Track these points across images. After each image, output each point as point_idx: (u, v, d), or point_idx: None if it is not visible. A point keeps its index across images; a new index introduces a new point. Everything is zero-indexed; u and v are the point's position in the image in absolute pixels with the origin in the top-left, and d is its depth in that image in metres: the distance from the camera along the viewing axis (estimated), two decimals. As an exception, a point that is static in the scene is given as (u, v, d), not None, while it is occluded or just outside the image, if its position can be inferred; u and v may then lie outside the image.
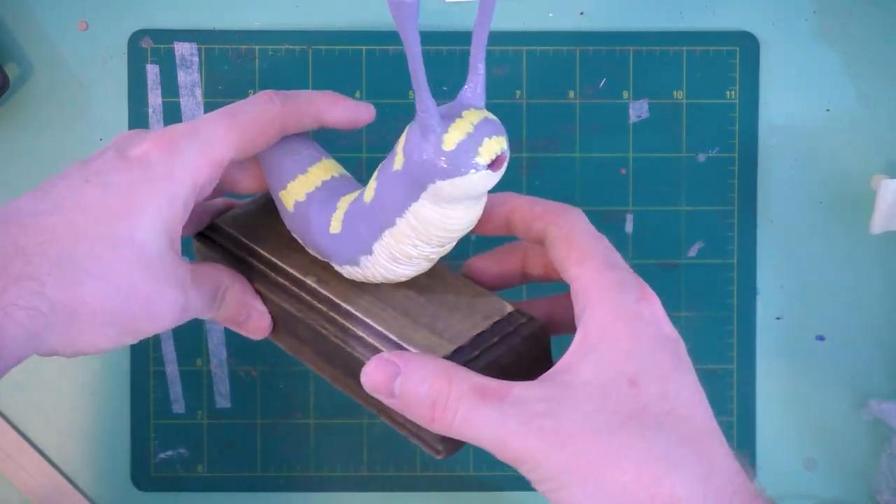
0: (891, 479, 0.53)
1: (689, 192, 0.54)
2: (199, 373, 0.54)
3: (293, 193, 0.40)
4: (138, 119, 0.53)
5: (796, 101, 0.55)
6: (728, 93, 0.54)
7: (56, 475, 0.54)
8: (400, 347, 0.37)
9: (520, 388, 0.33)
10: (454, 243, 0.38)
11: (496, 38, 0.54)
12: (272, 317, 0.42)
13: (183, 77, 0.54)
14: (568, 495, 0.33)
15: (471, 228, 0.37)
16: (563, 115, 0.54)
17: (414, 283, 0.39)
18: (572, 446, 0.32)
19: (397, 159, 0.35)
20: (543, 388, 0.34)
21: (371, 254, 0.38)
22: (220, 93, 0.54)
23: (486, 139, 0.33)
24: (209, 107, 0.54)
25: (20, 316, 0.34)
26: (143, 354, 0.54)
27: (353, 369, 0.38)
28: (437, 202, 0.35)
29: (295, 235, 0.41)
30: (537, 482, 0.33)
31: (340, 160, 0.54)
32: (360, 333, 0.38)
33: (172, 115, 0.54)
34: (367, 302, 0.39)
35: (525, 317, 0.38)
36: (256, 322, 0.42)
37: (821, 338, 0.55)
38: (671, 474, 0.32)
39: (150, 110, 0.54)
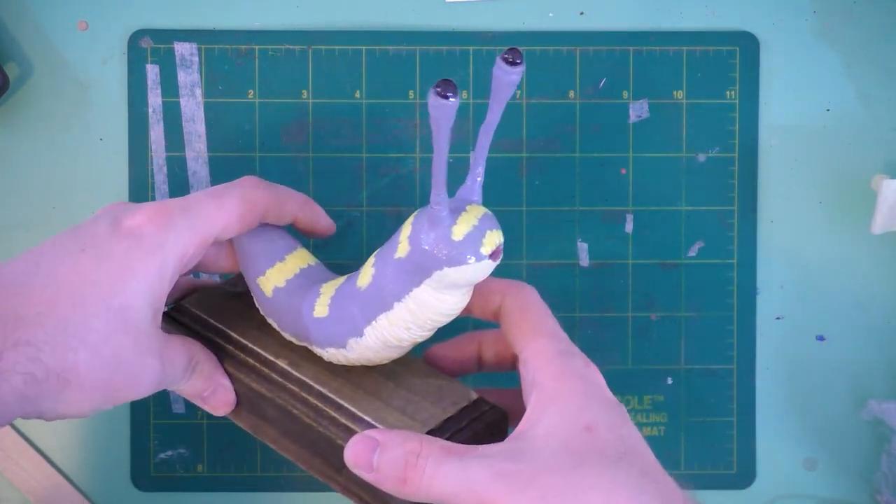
0: (891, 479, 0.53)
1: (689, 192, 0.54)
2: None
3: (272, 280, 0.42)
4: (138, 119, 0.53)
5: (796, 101, 0.55)
6: (728, 93, 0.54)
7: (56, 475, 0.54)
8: (373, 428, 0.39)
9: (484, 447, 0.36)
10: (436, 329, 0.40)
11: (496, 38, 0.54)
12: (237, 396, 0.43)
13: (183, 77, 0.54)
14: None
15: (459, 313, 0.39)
16: (563, 115, 0.54)
17: (382, 368, 0.42)
18: (536, 485, 0.34)
19: (401, 248, 0.37)
20: (506, 444, 0.36)
21: (361, 336, 0.40)
22: (220, 93, 0.54)
23: (488, 232, 0.36)
24: (209, 107, 0.54)
25: (16, 380, 0.35)
26: (143, 354, 0.54)
27: (321, 448, 0.40)
28: (437, 288, 0.37)
29: (270, 319, 0.43)
30: None
31: (340, 160, 0.54)
32: (334, 414, 0.40)
33: (172, 115, 0.54)
34: (339, 384, 0.41)
35: (488, 405, 0.41)
36: (221, 397, 0.43)
37: (821, 338, 0.55)
38: (636, 499, 0.34)
39: (150, 110, 0.54)
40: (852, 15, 0.54)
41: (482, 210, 0.37)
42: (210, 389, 0.43)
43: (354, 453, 0.37)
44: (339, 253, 0.54)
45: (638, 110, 0.54)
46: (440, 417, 0.39)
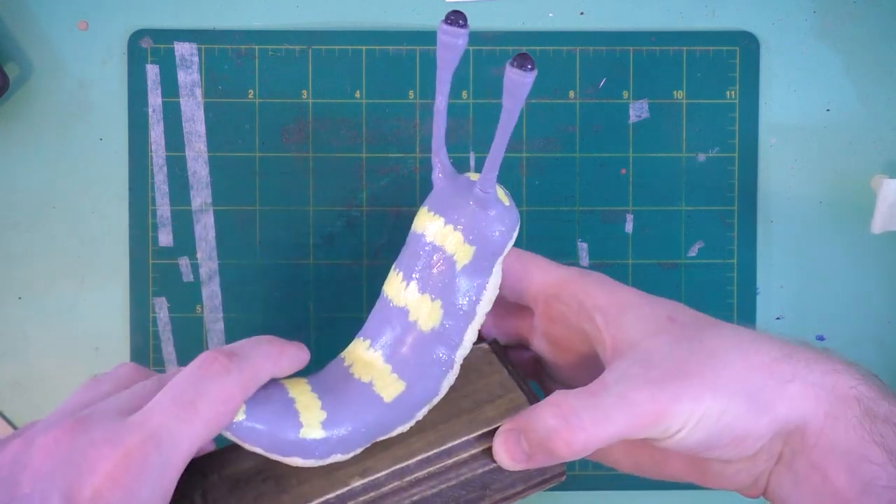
0: (891, 479, 0.53)
1: (689, 192, 0.54)
2: (199, 373, 0.54)
3: (311, 432, 0.36)
4: (138, 119, 0.53)
5: (796, 101, 0.55)
6: (728, 93, 0.54)
7: (56, 475, 0.54)
8: (491, 431, 0.38)
9: (606, 376, 0.36)
10: None
11: (496, 38, 0.54)
12: None
13: (183, 77, 0.54)
14: (720, 413, 0.35)
15: None
16: (563, 115, 0.54)
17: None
18: (685, 373, 0.35)
19: (460, 257, 0.37)
20: (620, 364, 0.36)
21: (453, 368, 0.38)
22: (220, 93, 0.54)
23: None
24: (209, 107, 0.54)
25: None
26: (143, 354, 0.54)
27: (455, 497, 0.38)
28: (499, 265, 0.38)
29: (330, 459, 0.37)
30: (688, 429, 0.35)
31: (340, 160, 0.54)
32: (451, 461, 0.38)
33: (172, 115, 0.54)
34: (416, 442, 0.38)
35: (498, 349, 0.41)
36: None
37: (821, 338, 0.55)
38: (758, 342, 0.36)
39: (150, 110, 0.54)
40: (852, 15, 0.54)
41: (477, 175, 0.38)
42: None
43: (504, 450, 0.37)
44: (339, 253, 0.54)
45: (638, 110, 0.54)
46: (520, 384, 0.39)
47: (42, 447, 0.32)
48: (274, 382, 0.37)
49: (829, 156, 0.55)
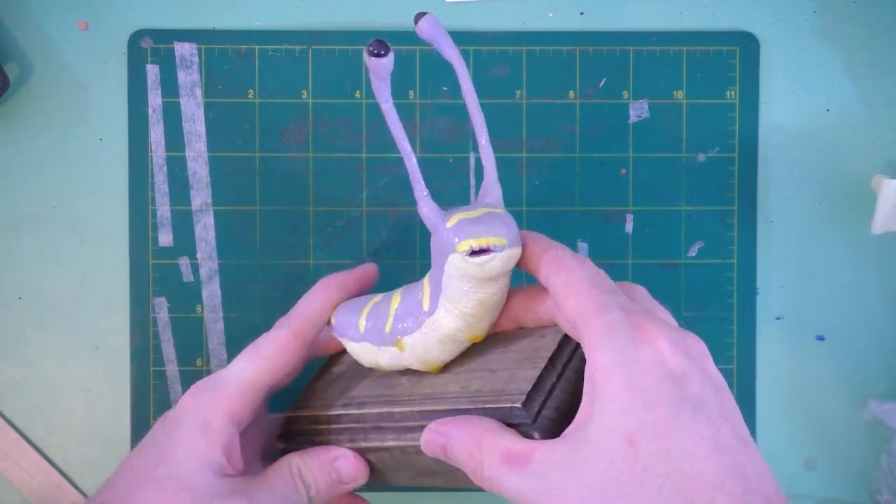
0: (891, 479, 0.53)
1: (689, 192, 0.54)
2: (200, 373, 0.54)
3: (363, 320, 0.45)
4: (138, 119, 0.53)
5: (796, 101, 0.55)
6: (728, 93, 0.54)
7: (56, 475, 0.54)
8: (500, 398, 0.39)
9: (541, 452, 0.35)
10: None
11: (496, 38, 0.54)
12: (371, 461, 0.44)
13: (183, 77, 0.54)
14: None
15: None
16: (563, 115, 0.54)
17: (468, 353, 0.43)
18: None
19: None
20: (560, 450, 0.34)
21: (412, 333, 0.43)
22: (220, 93, 0.54)
23: (475, 231, 0.39)
24: (209, 107, 0.54)
25: None
26: (144, 354, 0.54)
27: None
28: (459, 276, 0.41)
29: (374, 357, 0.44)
30: None
31: (340, 160, 0.54)
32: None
33: (172, 115, 0.54)
34: (444, 382, 0.42)
35: (573, 342, 0.40)
36: (350, 471, 0.44)
37: (821, 338, 0.55)
38: None
39: (150, 110, 0.54)
40: (852, 15, 0.54)
41: (482, 211, 0.39)
42: (334, 475, 0.44)
43: (428, 445, 0.39)
44: (340, 253, 0.54)
45: (638, 110, 0.54)
46: (534, 376, 0.38)
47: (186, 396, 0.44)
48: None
49: (829, 156, 0.55)
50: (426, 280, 0.41)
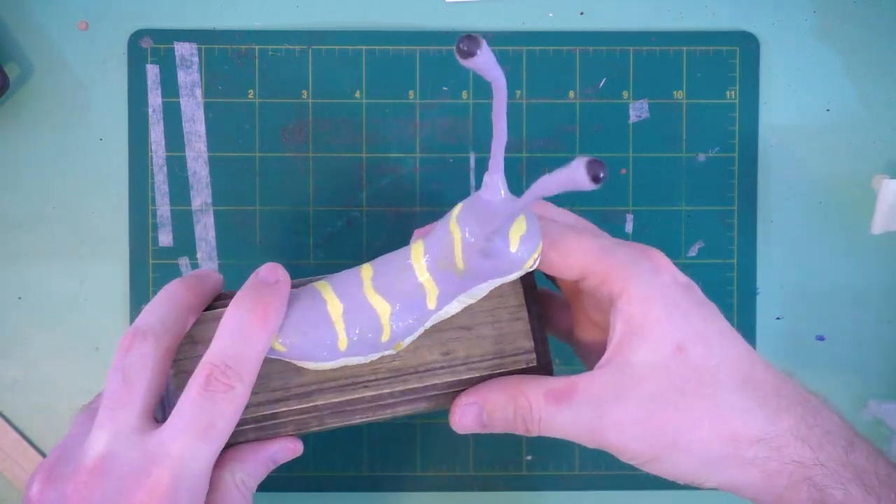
0: (891, 479, 0.53)
1: (689, 192, 0.54)
2: (199, 373, 0.54)
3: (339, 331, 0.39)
4: (138, 119, 0.53)
5: (796, 101, 0.55)
6: (728, 93, 0.54)
7: (56, 475, 0.54)
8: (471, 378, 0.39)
9: (584, 382, 0.37)
10: None
11: (496, 38, 0.54)
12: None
13: (183, 77, 0.54)
14: (658, 468, 0.37)
15: None
16: (563, 115, 0.54)
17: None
18: (645, 428, 0.36)
19: (456, 265, 0.37)
20: (605, 376, 0.37)
21: (412, 334, 0.39)
22: (220, 93, 0.54)
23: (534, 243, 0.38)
24: (209, 107, 0.54)
25: None
26: (143, 354, 0.54)
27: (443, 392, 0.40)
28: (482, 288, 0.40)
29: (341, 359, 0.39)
30: (627, 461, 0.37)
31: (340, 160, 0.54)
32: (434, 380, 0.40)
33: (172, 115, 0.54)
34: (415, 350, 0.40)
35: (527, 281, 0.40)
36: (287, 455, 0.40)
37: (821, 338, 0.55)
38: (739, 417, 0.36)
39: (150, 110, 0.54)
40: (852, 15, 0.54)
41: (521, 218, 0.37)
42: (272, 464, 0.40)
43: (461, 422, 0.39)
44: (340, 253, 0.54)
45: (638, 110, 0.54)
46: (526, 329, 0.39)
47: (74, 494, 0.35)
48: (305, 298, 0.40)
49: (829, 156, 0.55)
50: (423, 275, 0.38)
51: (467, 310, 0.40)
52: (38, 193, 0.54)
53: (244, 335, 0.37)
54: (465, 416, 0.39)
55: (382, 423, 0.54)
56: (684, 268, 0.55)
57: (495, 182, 0.37)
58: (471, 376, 0.39)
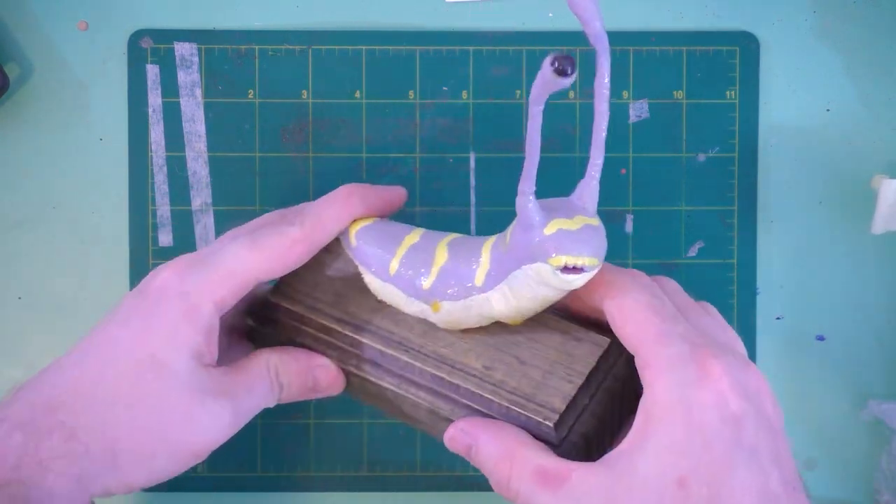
0: (891, 479, 0.53)
1: (689, 192, 0.54)
2: (199, 373, 0.54)
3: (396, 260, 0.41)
4: (138, 119, 0.53)
5: (796, 101, 0.55)
6: (728, 93, 0.54)
7: (56, 475, 0.54)
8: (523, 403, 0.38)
9: (578, 475, 0.34)
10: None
11: (496, 38, 0.54)
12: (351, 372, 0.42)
13: (183, 77, 0.54)
14: None
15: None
16: (563, 115, 0.54)
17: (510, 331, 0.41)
18: None
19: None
20: (600, 476, 0.34)
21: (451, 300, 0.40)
22: (220, 93, 0.54)
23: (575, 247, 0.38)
24: (209, 107, 0.54)
25: (58, 465, 0.34)
26: (143, 354, 0.54)
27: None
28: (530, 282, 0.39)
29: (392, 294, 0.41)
30: None
31: (340, 160, 0.54)
32: (458, 387, 0.40)
33: (172, 115, 0.54)
34: (469, 348, 0.40)
35: (620, 350, 0.38)
36: (328, 382, 0.42)
37: (821, 338, 0.55)
38: None
39: (150, 110, 0.54)
40: (852, 15, 0.54)
41: (581, 222, 0.37)
42: (310, 381, 0.41)
43: (452, 446, 0.38)
44: (339, 253, 0.54)
45: (638, 110, 0.54)
46: (569, 393, 0.37)
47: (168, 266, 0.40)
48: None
49: (829, 156, 0.55)
50: (486, 252, 0.39)
51: (532, 348, 0.39)
52: (38, 193, 0.54)
53: (328, 201, 0.42)
54: (456, 442, 0.38)
55: (382, 423, 0.54)
56: (684, 268, 0.55)
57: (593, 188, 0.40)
58: (491, 398, 0.38)
